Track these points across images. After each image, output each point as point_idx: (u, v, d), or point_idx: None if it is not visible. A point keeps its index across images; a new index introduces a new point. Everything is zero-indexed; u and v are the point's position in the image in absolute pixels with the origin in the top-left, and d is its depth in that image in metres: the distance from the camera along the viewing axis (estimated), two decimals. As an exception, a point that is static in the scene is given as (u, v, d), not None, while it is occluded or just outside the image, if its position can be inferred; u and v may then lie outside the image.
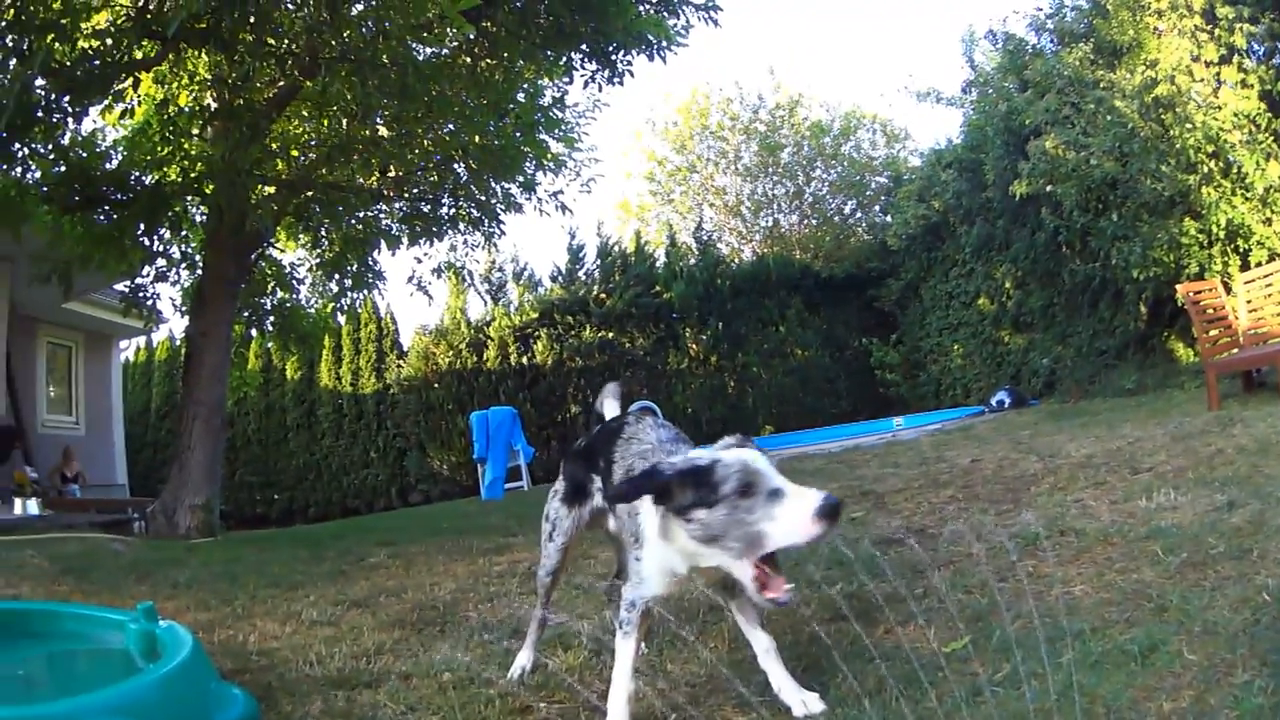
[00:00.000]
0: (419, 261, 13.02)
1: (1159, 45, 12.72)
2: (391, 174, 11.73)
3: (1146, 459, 5.78)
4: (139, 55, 9.25)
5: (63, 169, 9.87)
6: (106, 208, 10.28)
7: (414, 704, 2.85)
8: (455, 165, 11.75)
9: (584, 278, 19.00)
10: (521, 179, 12.15)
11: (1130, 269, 12.35)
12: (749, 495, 2.10)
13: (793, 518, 2.07)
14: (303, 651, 3.54)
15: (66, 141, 9.98)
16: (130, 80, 9.76)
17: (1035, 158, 12.96)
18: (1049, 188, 13.00)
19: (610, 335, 17.65)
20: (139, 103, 10.65)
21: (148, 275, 11.50)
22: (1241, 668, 2.26)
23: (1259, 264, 11.31)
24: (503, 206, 12.36)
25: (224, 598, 4.91)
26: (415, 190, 12.24)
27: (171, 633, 2.94)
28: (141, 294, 11.57)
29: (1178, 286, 9.44)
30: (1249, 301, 9.60)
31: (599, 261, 19.03)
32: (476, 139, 11.05)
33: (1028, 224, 14.61)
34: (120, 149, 10.89)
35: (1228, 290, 10.43)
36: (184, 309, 12.02)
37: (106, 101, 9.89)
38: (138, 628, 3.01)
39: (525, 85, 11.70)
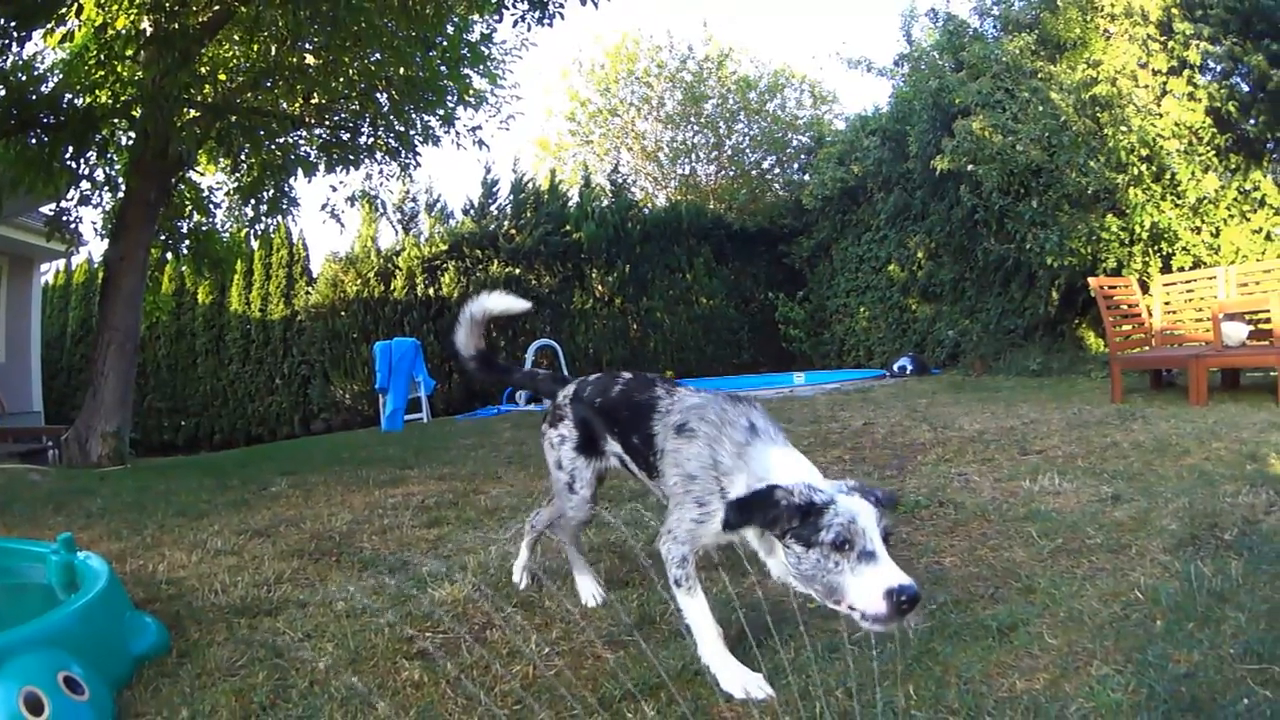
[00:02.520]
0: (334, 190, 13.05)
1: (1105, 47, 12.93)
2: (315, 101, 11.64)
3: (1038, 441, 5.96)
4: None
5: (2, 93, 9.68)
6: (38, 131, 10.07)
7: (310, 632, 3.01)
8: (378, 95, 11.74)
9: (496, 213, 18.64)
10: (442, 112, 12.25)
11: (1045, 255, 12.57)
12: (843, 551, 2.14)
13: (868, 587, 2.09)
14: (208, 580, 3.68)
15: (8, 66, 9.77)
16: (75, 4, 9.62)
17: (961, 136, 13.08)
18: (970, 166, 13.14)
19: (517, 271, 17.45)
20: (80, 26, 10.39)
21: (72, 199, 11.37)
22: (1102, 660, 2.33)
23: (1182, 269, 11.67)
24: (421, 139, 12.45)
25: (134, 527, 5.02)
26: (337, 118, 12.18)
27: (88, 564, 3.08)
28: (65, 217, 11.43)
29: (1090, 279, 9.53)
30: (1167, 303, 9.89)
31: (512, 197, 18.72)
32: (401, 70, 11.07)
33: (946, 198, 14.78)
34: (57, 72, 10.66)
35: (1145, 289, 10.76)
36: (104, 232, 11.89)
37: (49, 25, 9.72)
38: (58, 559, 3.14)
39: (455, 19, 11.63)
